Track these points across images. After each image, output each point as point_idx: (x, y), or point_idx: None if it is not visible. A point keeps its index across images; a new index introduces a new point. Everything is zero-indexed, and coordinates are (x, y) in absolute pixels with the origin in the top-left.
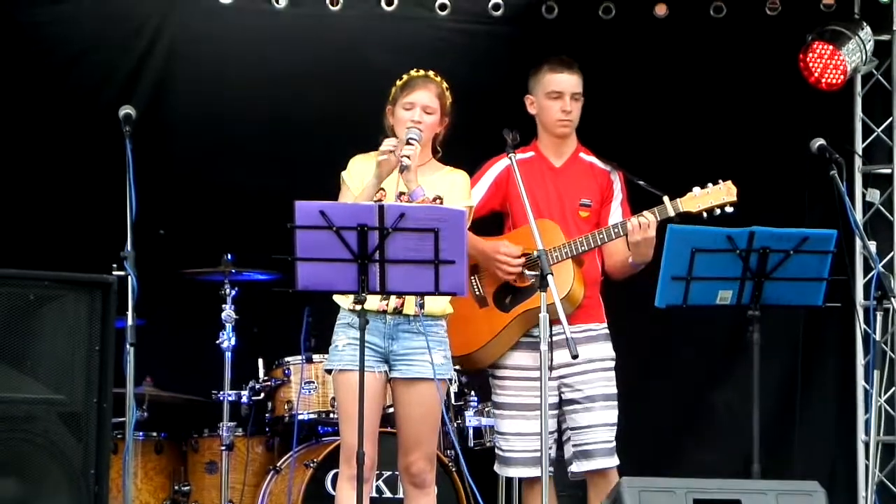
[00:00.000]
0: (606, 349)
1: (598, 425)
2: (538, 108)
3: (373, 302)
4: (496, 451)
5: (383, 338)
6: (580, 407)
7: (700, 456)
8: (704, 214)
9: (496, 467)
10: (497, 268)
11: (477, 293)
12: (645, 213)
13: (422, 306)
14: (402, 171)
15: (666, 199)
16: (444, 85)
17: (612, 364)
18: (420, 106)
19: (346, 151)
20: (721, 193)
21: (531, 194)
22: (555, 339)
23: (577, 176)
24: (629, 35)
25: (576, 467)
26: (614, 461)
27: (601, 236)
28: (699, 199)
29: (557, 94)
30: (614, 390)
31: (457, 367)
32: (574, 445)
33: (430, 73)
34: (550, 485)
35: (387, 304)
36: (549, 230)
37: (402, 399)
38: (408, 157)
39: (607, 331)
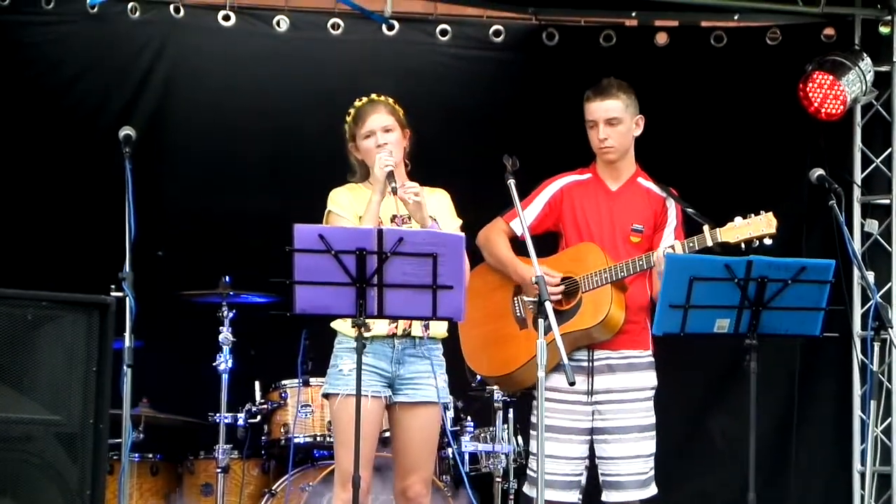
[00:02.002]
0: (648, 378)
1: (631, 457)
2: (588, 134)
3: (382, 327)
4: (528, 471)
5: (390, 363)
6: (611, 437)
7: (696, 484)
8: (743, 246)
9: (525, 488)
10: (533, 294)
11: (518, 314)
12: (675, 243)
13: (427, 327)
14: (396, 192)
15: (706, 228)
16: (391, 100)
17: (652, 393)
18: (379, 129)
19: (345, 176)
20: (761, 225)
21: (584, 216)
22: (595, 364)
23: (631, 201)
24: (629, 63)
25: (605, 497)
26: (646, 492)
27: (641, 262)
28: (739, 229)
29: (592, 123)
30: (652, 420)
31: (495, 387)
32: (602, 474)
33: (373, 95)
34: None
35: (396, 328)
36: (590, 253)
37: (405, 423)
38: (387, 165)
39: (651, 358)
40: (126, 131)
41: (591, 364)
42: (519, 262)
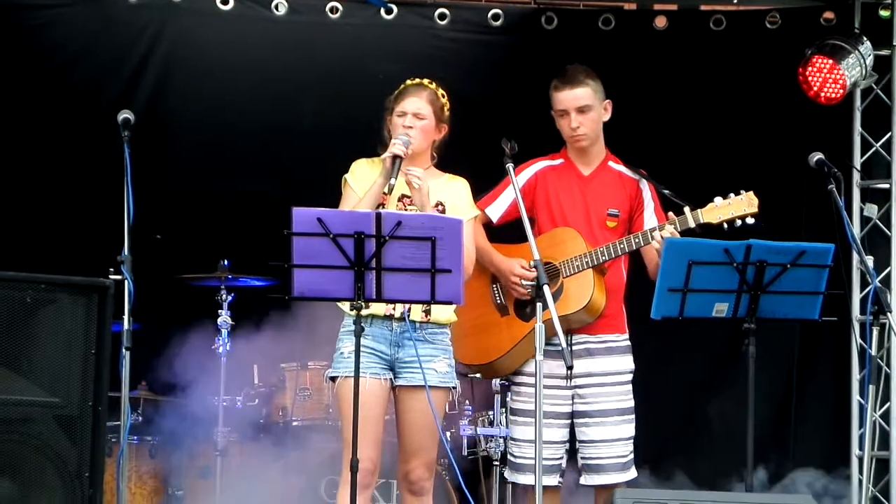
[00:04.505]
0: (625, 361)
1: (611, 440)
2: (556, 123)
3: (379, 307)
4: (509, 457)
5: (389, 345)
6: (592, 421)
7: (694, 467)
8: (725, 226)
9: (507, 473)
10: (511, 288)
11: (498, 302)
12: (667, 226)
13: (427, 312)
14: (390, 189)
15: (687, 209)
16: (440, 92)
17: (630, 377)
18: (411, 112)
19: (344, 159)
20: (743, 204)
21: (559, 202)
22: (574, 348)
23: (605, 185)
24: (629, 46)
25: (585, 480)
26: (626, 476)
27: (622, 246)
28: (720, 209)
29: (563, 112)
30: (631, 404)
31: (477, 375)
32: (582, 458)
33: (425, 80)
34: (556, 494)
35: (393, 309)
36: (570, 239)
37: (406, 406)
38: (396, 151)
39: (628, 342)
40: (125, 115)
41: (570, 348)
42: (494, 252)
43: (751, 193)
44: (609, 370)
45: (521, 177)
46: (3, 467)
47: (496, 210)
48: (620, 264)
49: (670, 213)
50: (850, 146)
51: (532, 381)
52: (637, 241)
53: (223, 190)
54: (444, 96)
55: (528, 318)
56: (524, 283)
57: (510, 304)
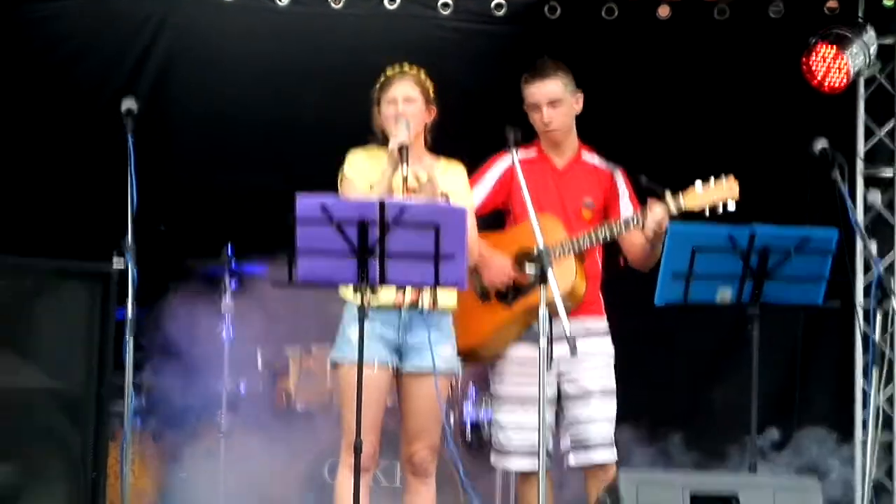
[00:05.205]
0: (605, 344)
1: (598, 419)
2: (529, 116)
3: (388, 296)
4: (493, 442)
5: (396, 331)
6: (578, 400)
7: (698, 451)
8: (707, 211)
9: (493, 459)
10: (487, 277)
11: (479, 288)
12: (655, 208)
13: (435, 303)
14: (405, 177)
15: (668, 194)
16: (423, 74)
17: (611, 359)
18: (401, 98)
19: (346, 148)
20: (723, 190)
21: (534, 194)
22: (555, 332)
23: (579, 177)
24: (632, 36)
25: (573, 460)
26: (613, 455)
27: (604, 233)
28: (701, 196)
29: (534, 106)
30: (613, 384)
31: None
32: (572, 438)
33: (406, 66)
34: (547, 478)
35: (403, 298)
36: (550, 226)
37: (412, 391)
38: (401, 141)
39: (607, 326)
40: (128, 104)
41: (550, 333)
42: (482, 243)
43: (731, 178)
44: (591, 351)
45: (495, 167)
46: (6, 452)
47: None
48: (595, 252)
49: (649, 200)
50: (853, 134)
51: (513, 367)
52: (619, 228)
53: (226, 178)
54: (428, 78)
55: (510, 304)
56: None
57: (491, 290)
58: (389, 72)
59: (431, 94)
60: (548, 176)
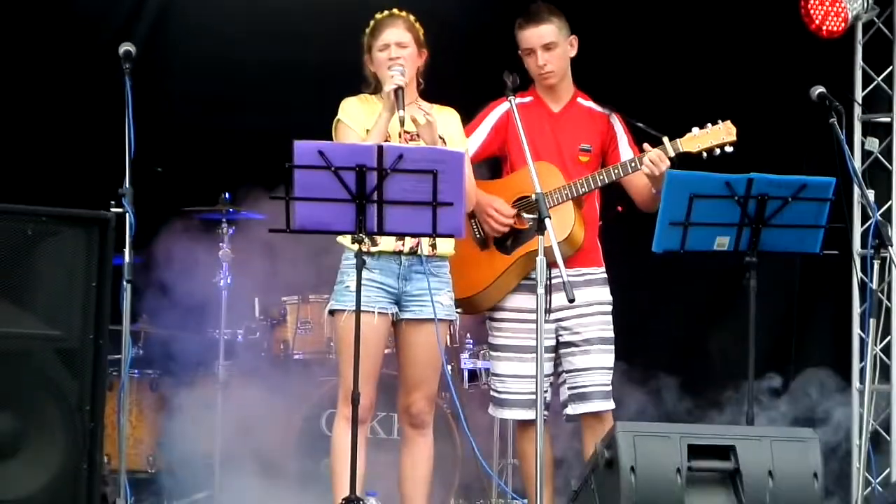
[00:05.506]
0: (604, 293)
1: (595, 368)
2: (524, 62)
3: (388, 243)
4: (491, 392)
5: (397, 279)
6: (577, 350)
7: (695, 401)
8: (704, 154)
9: (491, 409)
10: (485, 221)
11: (478, 235)
12: (654, 150)
13: (434, 246)
14: (402, 119)
15: (665, 139)
16: (412, 17)
17: (610, 308)
18: (393, 43)
19: (346, 93)
20: (720, 133)
21: (531, 140)
22: (553, 282)
23: (576, 121)
24: None
25: (571, 409)
26: (610, 404)
27: (602, 177)
28: (698, 139)
29: (529, 51)
30: (611, 334)
31: (458, 310)
32: (570, 388)
33: (395, 10)
34: (545, 428)
35: (402, 245)
36: (549, 173)
37: (410, 339)
38: (397, 83)
39: (605, 275)
40: (126, 47)
41: (549, 282)
42: (478, 189)
43: (728, 122)
44: (590, 300)
45: (492, 115)
46: (3, 400)
47: (470, 147)
48: (594, 199)
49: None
50: (851, 80)
51: (512, 315)
52: (617, 171)
53: (224, 122)
54: (417, 20)
55: (509, 252)
56: (501, 219)
57: (490, 237)
58: (379, 16)
59: (422, 38)
60: (544, 121)
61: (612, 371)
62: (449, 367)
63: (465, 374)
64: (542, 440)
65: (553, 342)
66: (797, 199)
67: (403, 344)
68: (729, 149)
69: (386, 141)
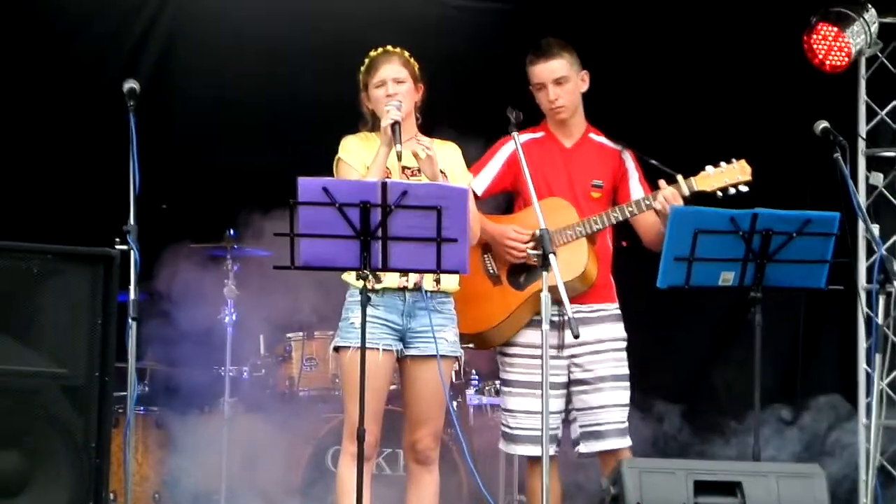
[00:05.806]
0: (618, 329)
1: (610, 406)
2: (535, 97)
3: (392, 279)
4: (502, 428)
5: (401, 315)
6: (590, 388)
7: (701, 437)
8: (719, 193)
9: (501, 444)
10: (507, 252)
11: (490, 271)
12: (668, 188)
13: (438, 281)
14: (399, 154)
15: (680, 178)
16: (406, 53)
17: (624, 344)
18: (390, 79)
19: (345, 129)
20: (735, 172)
21: (542, 175)
22: (565, 318)
23: (588, 156)
24: (633, 13)
25: (585, 448)
26: (626, 441)
27: (615, 215)
28: (713, 178)
29: (540, 86)
30: (626, 370)
31: (470, 346)
32: (581, 426)
33: (389, 46)
34: (553, 464)
35: (406, 281)
36: (562, 209)
37: (416, 376)
38: (393, 118)
39: (619, 311)
40: (130, 84)
41: (561, 318)
42: (486, 219)
43: (743, 161)
44: (603, 337)
45: (504, 149)
46: (9, 438)
47: (481, 182)
48: (606, 235)
49: (660, 182)
50: (855, 114)
51: (525, 351)
52: (631, 209)
53: (229, 159)
54: (412, 57)
55: (522, 288)
56: (520, 246)
57: (503, 273)
58: (373, 53)
59: (418, 73)
60: (556, 156)
61: (627, 408)
62: (454, 403)
63: (471, 409)
64: (548, 476)
65: (565, 379)
66: (802, 234)
67: (408, 381)
68: (744, 188)
69: (387, 176)
